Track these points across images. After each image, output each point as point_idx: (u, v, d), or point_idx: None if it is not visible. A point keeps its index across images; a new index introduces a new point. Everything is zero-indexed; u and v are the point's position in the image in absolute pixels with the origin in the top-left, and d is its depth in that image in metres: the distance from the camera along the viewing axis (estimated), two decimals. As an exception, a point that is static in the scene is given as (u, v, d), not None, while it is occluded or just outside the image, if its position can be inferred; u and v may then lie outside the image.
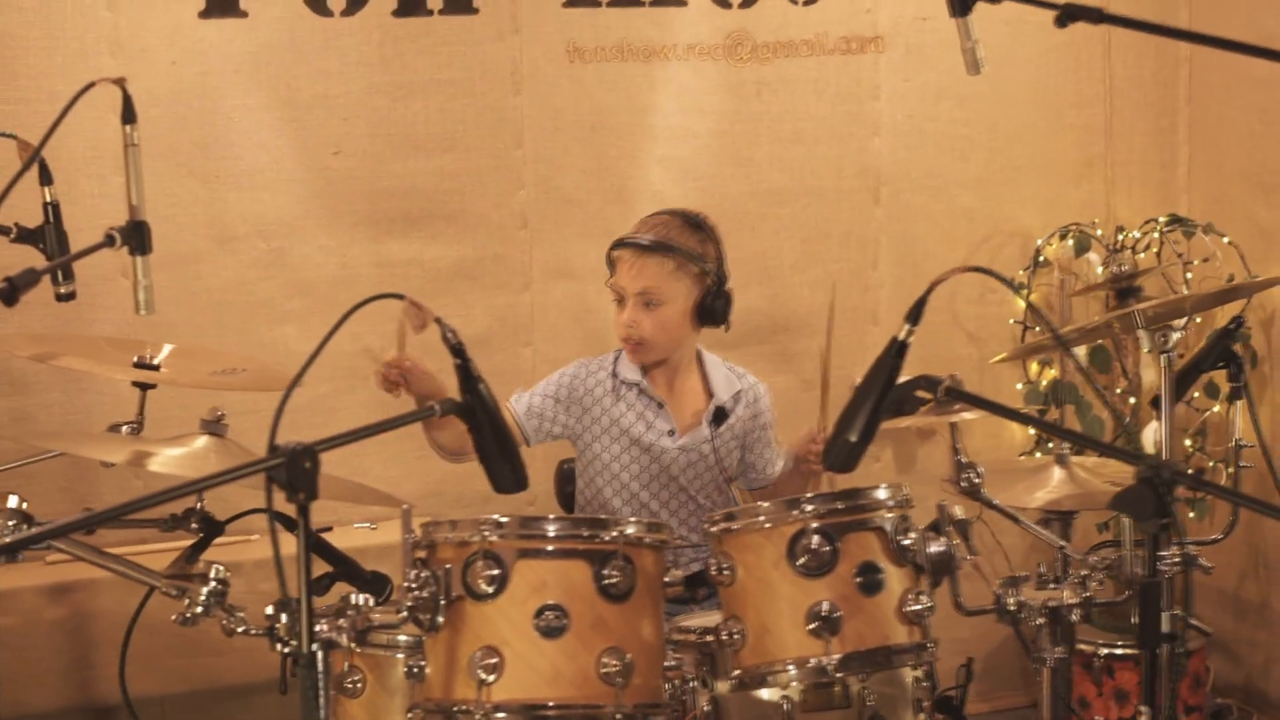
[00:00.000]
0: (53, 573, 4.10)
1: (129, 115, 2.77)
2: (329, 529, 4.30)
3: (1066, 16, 2.64)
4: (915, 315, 2.58)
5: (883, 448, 5.14)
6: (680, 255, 3.56)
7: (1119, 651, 4.82)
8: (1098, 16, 2.63)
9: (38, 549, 2.86)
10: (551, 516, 2.74)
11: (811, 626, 2.72)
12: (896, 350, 2.58)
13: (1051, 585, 3.02)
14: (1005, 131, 5.20)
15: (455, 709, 2.64)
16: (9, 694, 3.92)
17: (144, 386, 3.36)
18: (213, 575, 2.78)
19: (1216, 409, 4.99)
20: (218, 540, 3.04)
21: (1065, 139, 5.27)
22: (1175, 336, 3.14)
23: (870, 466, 5.06)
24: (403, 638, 2.88)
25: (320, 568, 2.97)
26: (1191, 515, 4.97)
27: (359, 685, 2.93)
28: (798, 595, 2.74)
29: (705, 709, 2.96)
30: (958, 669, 3.34)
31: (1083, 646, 4.83)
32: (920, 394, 2.61)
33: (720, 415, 3.69)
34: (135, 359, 3.31)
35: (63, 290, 3.02)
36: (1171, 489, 2.26)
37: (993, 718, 4.86)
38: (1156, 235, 5.09)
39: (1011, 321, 5.18)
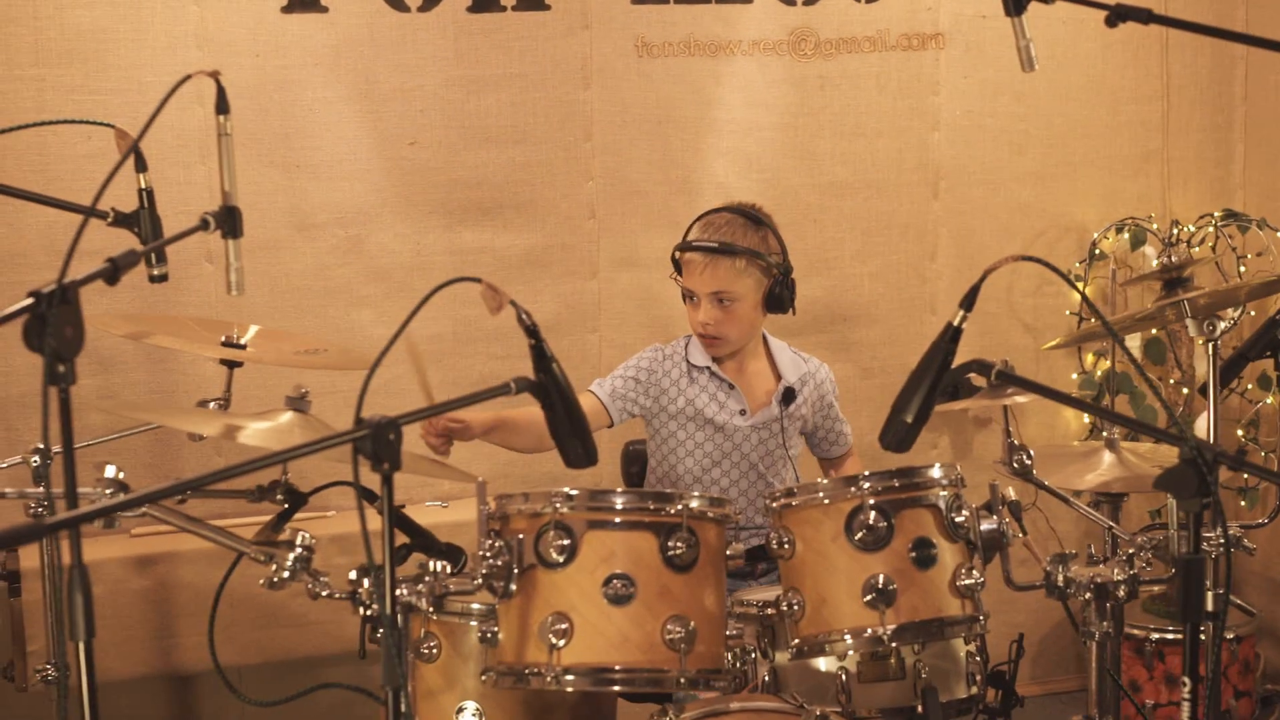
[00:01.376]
0: (138, 545, 4.25)
1: (223, 106, 2.90)
2: (402, 506, 4.43)
3: (1116, 16, 2.74)
4: (970, 301, 2.67)
5: (940, 434, 5.24)
6: (746, 254, 3.69)
7: (1170, 636, 4.90)
8: (1146, 17, 2.72)
9: (130, 517, 2.99)
10: (619, 490, 2.87)
11: (867, 598, 2.84)
12: (951, 335, 2.68)
13: (1100, 564, 3.11)
14: (1062, 127, 5.27)
15: (527, 671, 2.78)
16: (95, 661, 4.05)
17: (231, 365, 3.49)
18: (299, 541, 2.92)
19: (1270, 400, 5.06)
20: (295, 517, 3.17)
21: (1122, 135, 5.34)
22: (1222, 326, 3.23)
23: (928, 453, 5.17)
24: (476, 606, 2.99)
25: (398, 539, 3.11)
26: (1243, 504, 5.04)
27: (434, 651, 3.04)
28: (854, 568, 2.86)
29: (765, 679, 3.09)
30: (1010, 644, 3.45)
31: (1134, 631, 4.92)
32: (973, 377, 2.71)
33: (789, 395, 3.82)
34: (223, 338, 3.45)
35: (156, 272, 3.13)
36: (1214, 469, 2.37)
37: (1045, 700, 4.95)
38: (1211, 229, 5.16)
39: (1067, 313, 5.25)
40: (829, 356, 4.31)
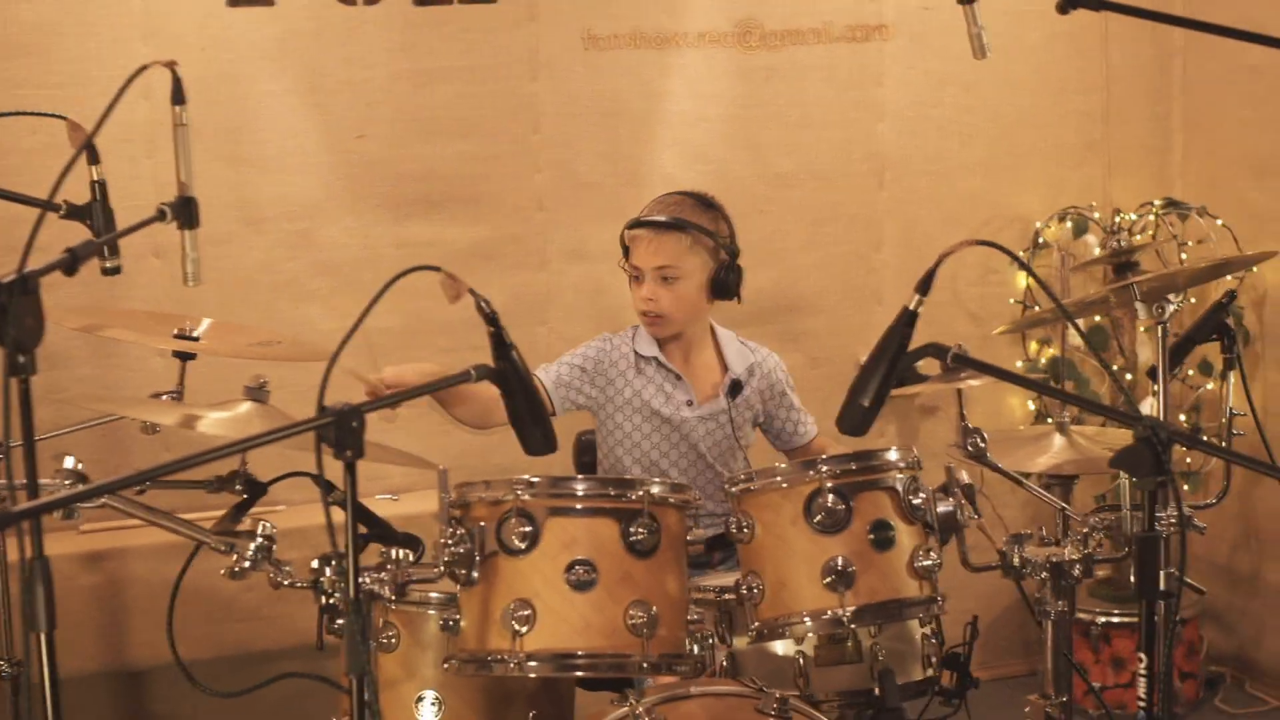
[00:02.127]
0: (87, 541, 4.23)
1: (179, 97, 2.90)
2: (354, 499, 4.43)
3: (1068, 3, 2.78)
4: (925, 286, 2.72)
5: (887, 422, 5.27)
6: (695, 231, 3.70)
7: (1116, 620, 4.97)
8: (1097, 4, 2.77)
9: (87, 508, 2.97)
10: (581, 477, 2.89)
11: (827, 580, 2.86)
12: (907, 319, 2.71)
13: (1053, 545, 3.15)
14: (1007, 117, 5.32)
15: (490, 658, 2.79)
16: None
17: (184, 357, 3.47)
18: (260, 531, 2.92)
19: (1210, 386, 5.13)
20: (265, 508, 3.16)
21: (1065, 125, 5.40)
22: (1171, 309, 3.27)
23: (875, 440, 5.19)
24: (435, 595, 2.99)
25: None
26: (1186, 488, 5.11)
27: (393, 640, 3.05)
28: (813, 551, 2.88)
29: (724, 664, 3.11)
30: (964, 626, 3.48)
31: (1081, 615, 4.98)
32: (930, 360, 2.74)
33: (736, 387, 3.82)
34: (176, 331, 3.43)
35: (109, 264, 3.10)
36: (1168, 448, 2.41)
37: (997, 684, 4.99)
38: (1152, 218, 5.22)
39: (1012, 301, 5.30)
40: (777, 347, 4.32)
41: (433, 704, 3.03)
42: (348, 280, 4.63)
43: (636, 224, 3.76)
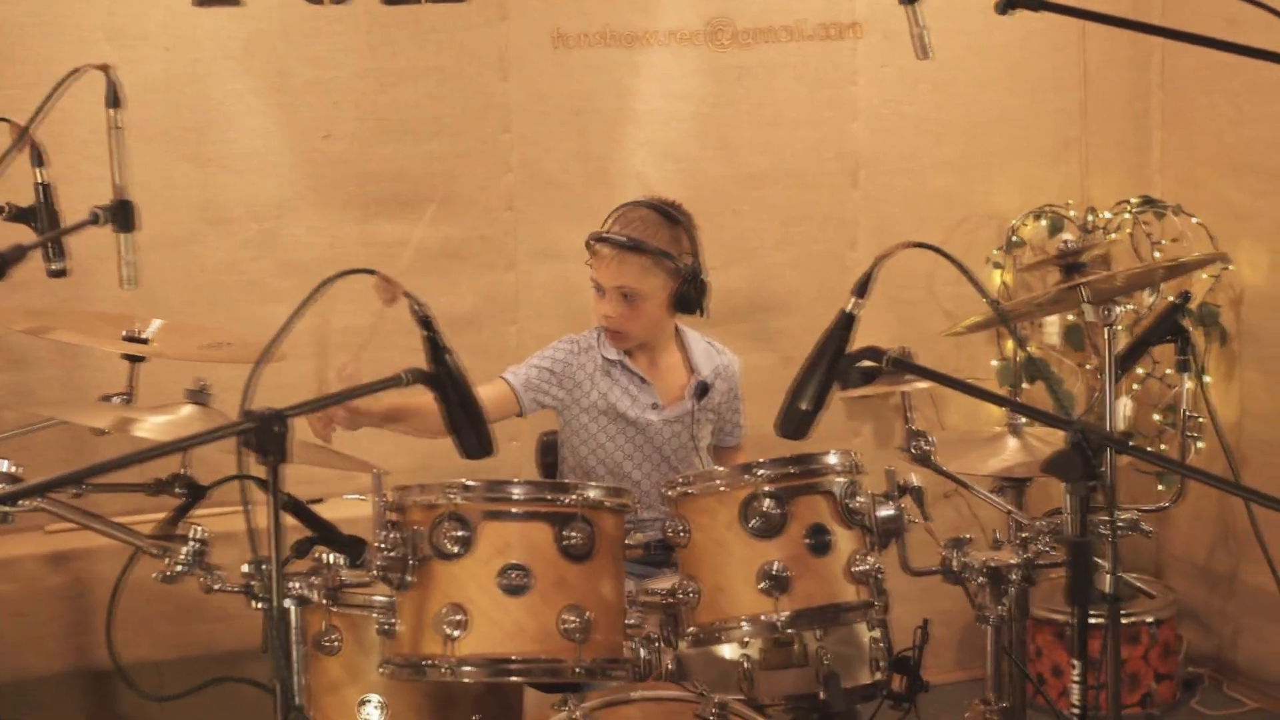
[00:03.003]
0: (52, 541, 4.23)
1: (113, 100, 2.89)
2: (320, 500, 4.43)
3: (1006, 4, 2.75)
4: (862, 288, 2.72)
5: (863, 422, 5.25)
6: (655, 254, 3.69)
7: (1092, 621, 4.90)
8: (1035, 4, 2.74)
9: (27, 510, 2.97)
10: (517, 480, 2.86)
11: (762, 585, 2.84)
12: (844, 322, 2.71)
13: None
14: (982, 116, 5.29)
15: (424, 663, 2.77)
16: (10, 659, 4.06)
17: (133, 359, 3.47)
18: (193, 536, 2.91)
19: (1189, 385, 5.09)
20: (213, 510, 3.14)
21: (1041, 123, 5.37)
22: (1118, 310, 3.25)
23: (850, 440, 5.18)
24: (379, 598, 2.96)
25: (301, 533, 3.10)
26: (1160, 487, 5.08)
27: (336, 643, 3.03)
28: (749, 555, 2.86)
29: (670, 667, 3.09)
30: (914, 630, 3.46)
31: (1055, 616, 4.96)
32: (867, 363, 2.72)
33: (703, 390, 3.82)
34: (125, 333, 3.42)
35: (54, 267, 3.11)
36: (1099, 452, 2.39)
37: (955, 687, 4.95)
38: (1128, 216, 5.20)
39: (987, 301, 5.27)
40: (750, 346, 4.33)
41: (377, 707, 3.01)
42: (314, 280, 4.41)
43: (599, 238, 3.74)
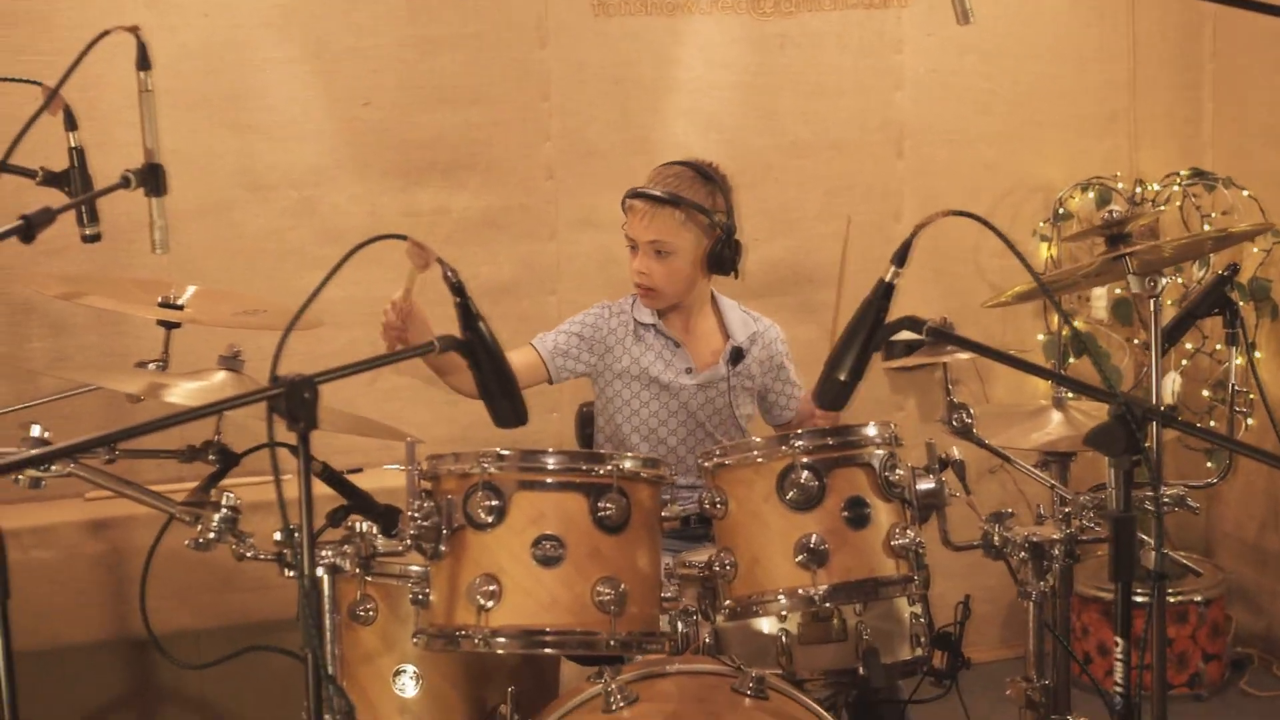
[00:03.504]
0: (92, 509, 4.22)
1: (144, 62, 2.86)
2: (359, 470, 4.40)
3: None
4: (901, 257, 2.66)
5: (907, 395, 5.21)
6: (689, 207, 3.65)
7: (1138, 599, 4.86)
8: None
9: (62, 476, 2.95)
10: (551, 450, 2.82)
11: (799, 558, 2.79)
12: (883, 291, 2.65)
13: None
14: (1029, 86, 5.24)
15: (456, 633, 2.73)
16: (49, 626, 4.05)
17: (169, 325, 3.45)
18: (225, 503, 2.89)
19: (1238, 360, 5.01)
20: (249, 480, 3.11)
21: (1089, 94, 5.31)
22: (1163, 282, 3.18)
23: (894, 413, 5.13)
24: (414, 568, 2.94)
25: (338, 503, 3.08)
26: (1209, 464, 5.01)
27: (371, 613, 3.01)
28: (786, 528, 2.81)
29: (706, 641, 3.06)
30: (956, 606, 3.42)
31: (1102, 594, 4.90)
32: (905, 334, 2.67)
33: (737, 355, 3.79)
34: (160, 299, 3.40)
35: (87, 232, 3.08)
36: (1142, 425, 2.34)
37: (997, 665, 4.92)
38: (1177, 188, 5.12)
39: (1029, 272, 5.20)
40: (793, 318, 4.28)
41: (412, 678, 2.99)
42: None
43: (634, 194, 3.71)
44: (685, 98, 4.90)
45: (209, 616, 4.22)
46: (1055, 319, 5.22)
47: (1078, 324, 5.16)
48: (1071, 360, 5.10)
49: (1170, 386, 4.87)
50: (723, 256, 3.71)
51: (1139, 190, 5.17)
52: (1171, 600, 4.88)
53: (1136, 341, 5.18)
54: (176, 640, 3.47)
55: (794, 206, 5.03)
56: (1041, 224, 5.17)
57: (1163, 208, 5.12)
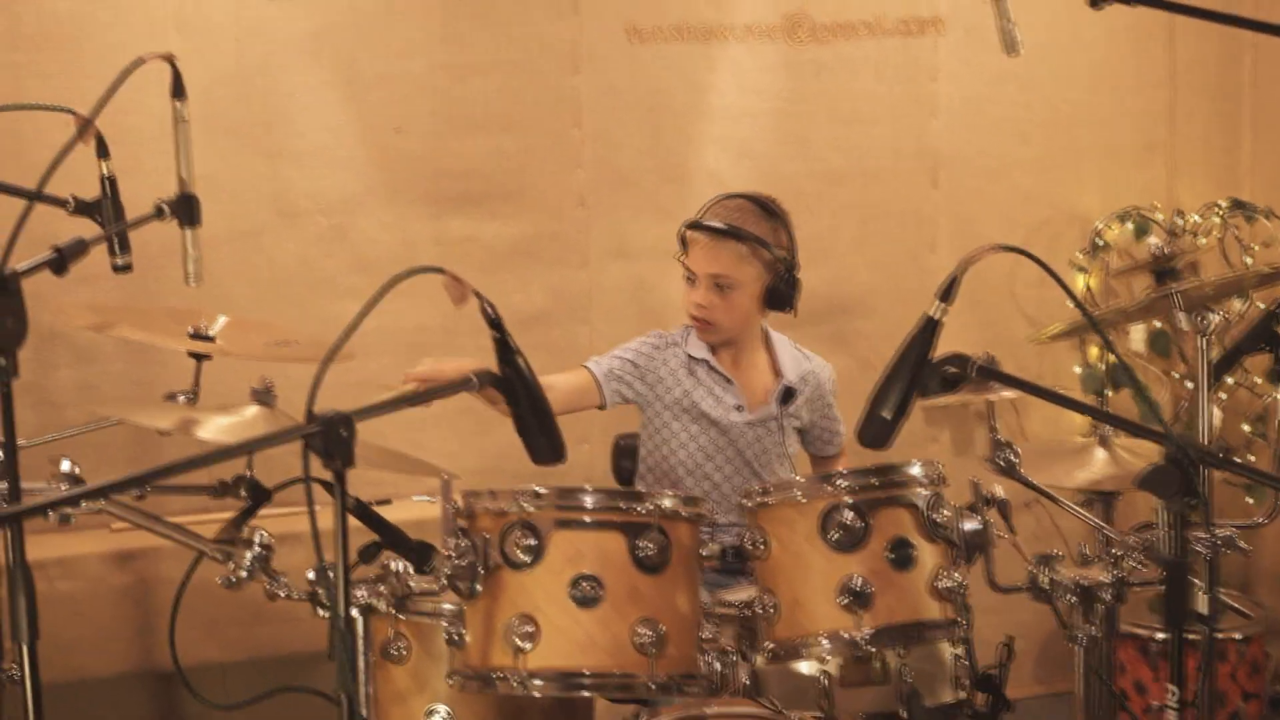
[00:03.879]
0: (117, 539, 4.18)
1: (179, 91, 2.81)
2: (388, 502, 4.36)
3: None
4: (947, 293, 2.60)
5: (941, 429, 5.15)
6: (753, 242, 3.60)
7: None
8: (1127, -1, 2.64)
9: (93, 513, 2.91)
10: (589, 488, 2.76)
11: (843, 600, 2.75)
12: (929, 328, 2.60)
13: (1090, 564, 3.01)
14: (1066, 114, 5.19)
15: (493, 675, 2.69)
16: (73, 659, 3.99)
17: (199, 357, 3.41)
18: (257, 540, 2.84)
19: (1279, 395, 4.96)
20: (277, 511, 3.08)
21: (1126, 122, 5.26)
22: (1214, 319, 3.12)
23: (928, 447, 5.07)
24: (447, 606, 2.89)
25: (368, 537, 3.03)
26: (1250, 500, 4.94)
27: (404, 652, 2.95)
28: (829, 569, 2.77)
29: (745, 682, 3.00)
30: (998, 646, 3.36)
31: (1139, 631, 4.82)
32: (951, 370, 2.62)
33: (788, 395, 3.74)
34: (191, 330, 3.36)
35: (119, 262, 3.04)
36: (1198, 468, 2.28)
37: (1037, 702, 4.86)
38: (1217, 219, 5.06)
39: (1070, 304, 5.14)
40: (827, 349, 4.22)
41: (444, 718, 2.93)
42: (385, 277, 4.48)
43: (695, 225, 3.66)
44: (718, 124, 4.86)
45: (237, 650, 4.17)
46: (1093, 351, 5.16)
47: (1114, 357, 5.09)
48: (1109, 393, 5.04)
49: (1211, 421, 4.79)
50: (782, 293, 3.66)
51: (1180, 221, 5.11)
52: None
53: (1175, 375, 5.11)
54: (203, 673, 3.43)
55: (827, 235, 4.98)
56: (1079, 254, 5.11)
57: (1203, 240, 5.06)
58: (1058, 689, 5.16)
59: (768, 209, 3.68)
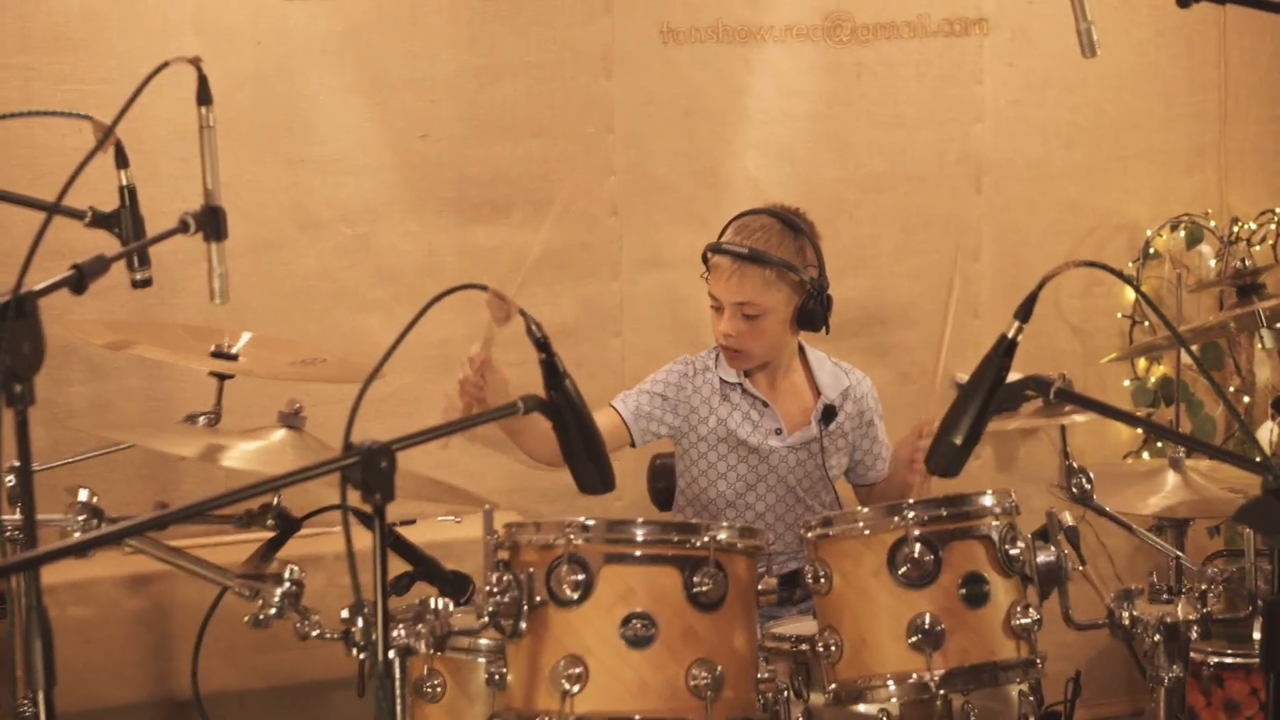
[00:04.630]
0: (131, 563, 4.03)
1: (204, 96, 2.64)
2: (412, 521, 4.22)
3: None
4: (1025, 312, 2.44)
5: (983, 447, 4.98)
6: (778, 265, 3.44)
7: (1229, 661, 4.63)
8: (1219, -2, 2.49)
9: (111, 546, 2.77)
10: (640, 520, 2.62)
11: (913, 640, 2.61)
12: (1006, 349, 2.45)
13: (1165, 598, 2.86)
14: (1113, 119, 5.05)
15: (538, 719, 2.54)
16: (86, 686, 3.89)
17: (222, 377, 3.27)
18: (287, 576, 2.68)
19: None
20: (301, 533, 2.97)
21: (1176, 127, 5.12)
22: (1298, 335, 2.97)
23: (969, 466, 4.89)
24: (485, 642, 2.78)
25: (400, 566, 2.88)
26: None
27: (439, 690, 2.84)
28: (898, 606, 2.64)
29: (800, 720, 2.85)
30: (1066, 682, 3.21)
31: (1192, 656, 4.65)
32: (1030, 395, 2.46)
33: (830, 413, 3.58)
34: (213, 348, 3.22)
35: (138, 277, 2.90)
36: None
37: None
38: (1274, 227, 4.92)
39: (1119, 315, 5.02)
40: (866, 361, 4.09)
41: (481, 759, 2.79)
42: (409, 288, 4.44)
43: (717, 249, 3.49)
44: (756, 129, 4.73)
45: (254, 676, 4.04)
46: (1141, 364, 5.00)
47: (1165, 370, 4.93)
48: (1161, 408, 4.88)
49: (1268, 436, 4.64)
50: (814, 312, 3.49)
51: (1235, 229, 4.95)
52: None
53: (1232, 389, 4.95)
54: (220, 700, 3.33)
55: (868, 243, 4.84)
56: (1129, 265, 4.96)
57: (1256, 247, 4.91)
58: (1105, 711, 5.01)
59: (793, 225, 3.52)
